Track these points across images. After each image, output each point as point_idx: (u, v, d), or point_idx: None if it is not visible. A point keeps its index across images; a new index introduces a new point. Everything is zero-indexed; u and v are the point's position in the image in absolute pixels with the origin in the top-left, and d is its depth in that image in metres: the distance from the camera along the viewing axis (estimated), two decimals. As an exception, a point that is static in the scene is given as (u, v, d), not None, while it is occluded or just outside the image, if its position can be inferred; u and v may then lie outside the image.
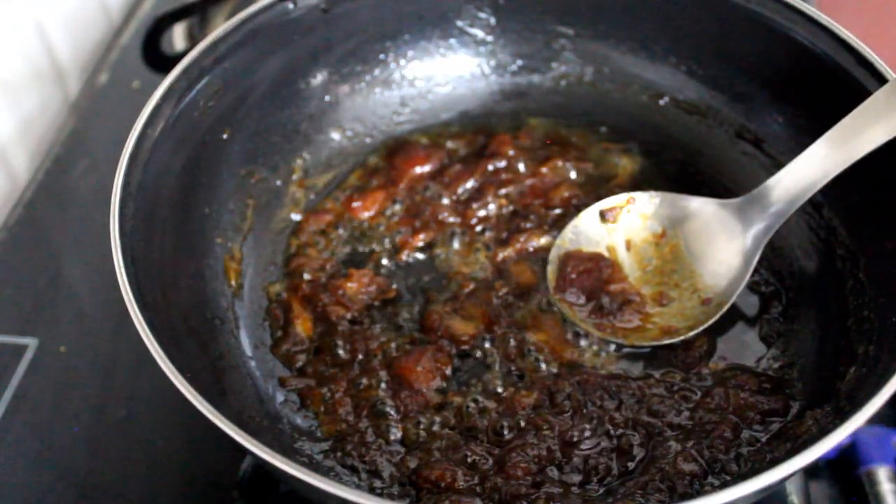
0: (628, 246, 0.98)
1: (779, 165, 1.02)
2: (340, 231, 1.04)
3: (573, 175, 1.08)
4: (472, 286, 0.99)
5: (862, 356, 0.84)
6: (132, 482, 0.95)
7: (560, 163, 1.08)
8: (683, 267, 0.96)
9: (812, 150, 0.89)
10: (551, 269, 0.98)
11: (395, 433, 0.88)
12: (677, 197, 0.98)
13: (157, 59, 1.25)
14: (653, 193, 0.99)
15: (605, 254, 0.98)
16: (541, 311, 0.96)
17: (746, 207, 0.93)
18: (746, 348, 0.93)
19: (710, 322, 0.92)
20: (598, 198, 1.04)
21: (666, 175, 1.07)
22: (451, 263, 1.02)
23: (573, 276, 0.96)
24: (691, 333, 0.92)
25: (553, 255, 0.99)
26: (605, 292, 0.95)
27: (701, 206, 0.96)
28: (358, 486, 0.84)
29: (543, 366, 0.92)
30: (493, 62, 1.14)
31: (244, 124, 1.00)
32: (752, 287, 0.96)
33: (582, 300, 0.96)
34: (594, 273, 0.96)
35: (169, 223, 0.89)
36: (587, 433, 0.86)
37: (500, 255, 1.01)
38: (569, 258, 0.98)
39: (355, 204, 1.05)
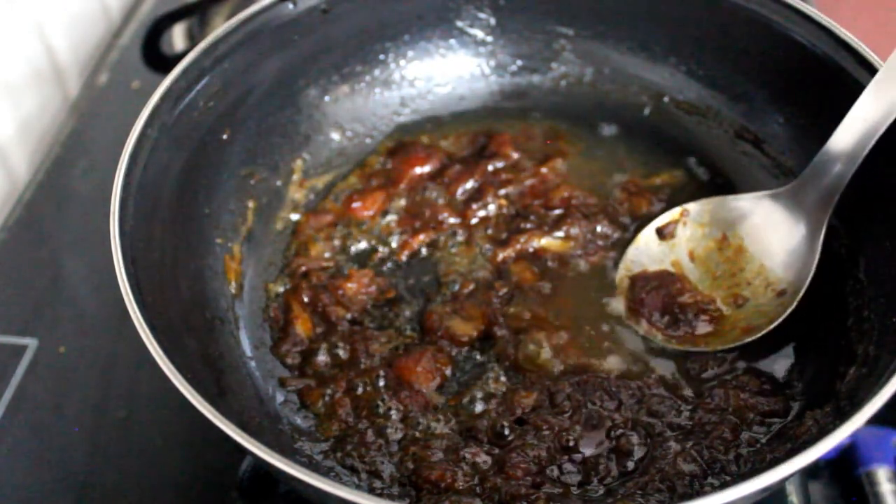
0: (692, 257, 0.97)
1: (779, 165, 1.02)
2: (340, 231, 1.04)
3: (573, 175, 1.08)
4: (472, 286, 0.99)
5: (862, 356, 0.84)
6: (132, 482, 0.95)
7: (560, 163, 1.08)
8: (751, 265, 0.94)
9: (864, 96, 0.87)
10: (621, 297, 0.97)
11: (395, 433, 0.87)
12: (728, 199, 0.96)
13: (157, 59, 1.25)
14: (703, 201, 0.97)
15: (671, 269, 0.97)
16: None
17: (800, 189, 0.91)
18: (746, 349, 0.93)
19: (789, 311, 0.90)
20: (599, 198, 1.04)
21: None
22: (451, 264, 1.01)
23: (643, 295, 0.95)
24: (772, 326, 0.90)
25: (619, 282, 0.97)
26: (678, 305, 0.94)
27: (755, 203, 0.95)
28: (358, 487, 0.84)
29: (543, 366, 0.92)
30: (493, 62, 1.14)
31: (244, 125, 1.00)
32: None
33: (657, 317, 0.94)
34: (663, 290, 0.95)
35: (169, 223, 0.89)
36: (587, 433, 0.86)
37: (500, 256, 1.01)
38: (636, 280, 0.97)
39: (355, 204, 1.05)
